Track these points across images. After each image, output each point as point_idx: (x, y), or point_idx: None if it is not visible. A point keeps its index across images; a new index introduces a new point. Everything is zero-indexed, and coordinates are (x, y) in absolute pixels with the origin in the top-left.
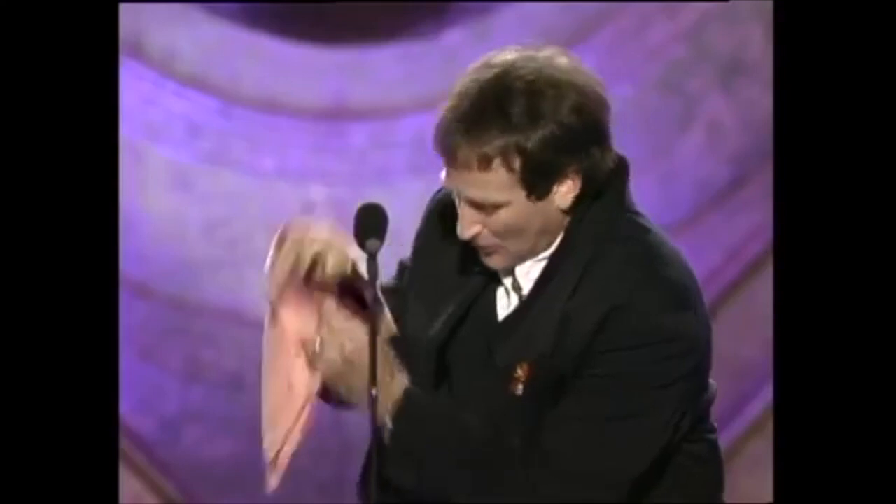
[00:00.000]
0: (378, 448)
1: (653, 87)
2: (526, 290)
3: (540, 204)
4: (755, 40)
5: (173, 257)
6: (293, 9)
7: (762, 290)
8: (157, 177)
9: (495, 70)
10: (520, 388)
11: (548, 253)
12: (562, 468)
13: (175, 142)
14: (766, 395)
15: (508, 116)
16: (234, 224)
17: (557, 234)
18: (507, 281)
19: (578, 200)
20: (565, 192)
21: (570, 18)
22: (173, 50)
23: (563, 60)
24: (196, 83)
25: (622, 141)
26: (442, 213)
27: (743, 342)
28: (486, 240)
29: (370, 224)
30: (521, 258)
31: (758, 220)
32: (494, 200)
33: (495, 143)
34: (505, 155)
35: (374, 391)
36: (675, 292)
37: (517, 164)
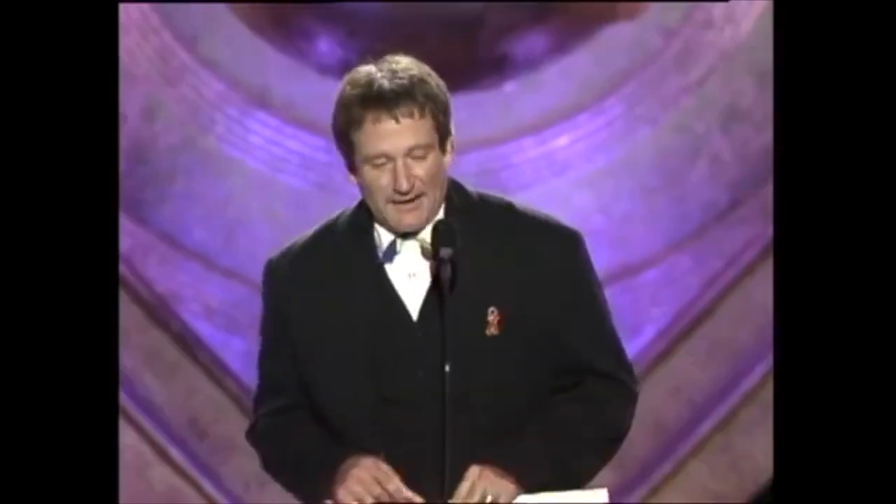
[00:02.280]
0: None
1: (667, 128)
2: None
3: (442, 159)
4: (749, 91)
5: None
6: None
7: (755, 289)
8: (279, 200)
9: (384, 64)
10: (497, 328)
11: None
12: (618, 356)
13: (293, 172)
14: (759, 372)
15: (422, 80)
16: None
17: (442, 199)
18: (411, 260)
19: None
20: (448, 154)
21: (601, 72)
22: (292, 100)
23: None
24: (309, 126)
25: (643, 171)
26: (309, 271)
27: (740, 330)
28: (419, 188)
29: (444, 236)
30: (430, 215)
31: (751, 234)
32: (428, 143)
33: (423, 96)
34: (433, 103)
35: (447, 367)
36: (550, 216)
37: (437, 114)
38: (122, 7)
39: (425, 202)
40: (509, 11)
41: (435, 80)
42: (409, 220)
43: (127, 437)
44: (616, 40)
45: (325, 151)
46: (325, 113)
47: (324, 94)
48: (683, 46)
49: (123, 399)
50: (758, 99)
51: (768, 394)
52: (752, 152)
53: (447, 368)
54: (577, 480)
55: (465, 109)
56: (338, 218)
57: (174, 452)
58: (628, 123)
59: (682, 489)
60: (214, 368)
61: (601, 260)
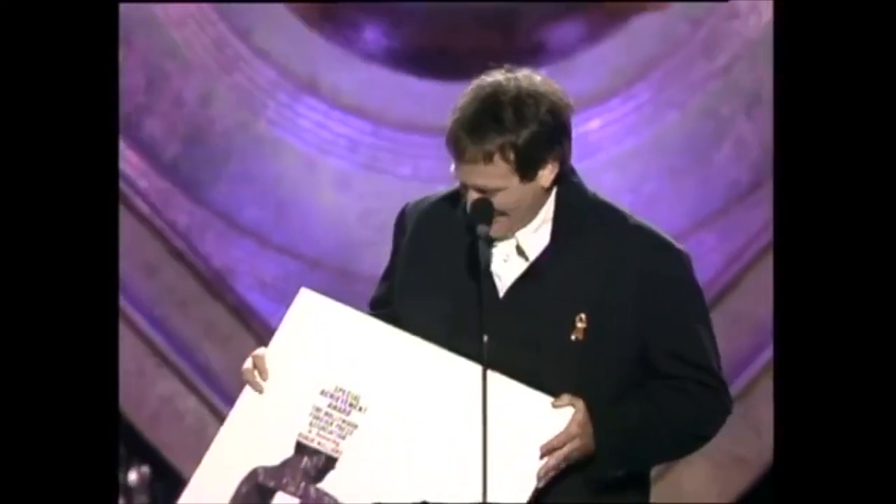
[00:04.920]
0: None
1: (694, 112)
2: (530, 255)
3: (529, 185)
4: (771, 77)
5: (338, 238)
6: (426, 55)
7: None
8: (327, 180)
9: (487, 88)
10: (582, 335)
11: (536, 223)
12: (711, 370)
13: (339, 154)
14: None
15: (502, 122)
16: (382, 214)
17: (541, 206)
18: (508, 249)
19: (555, 181)
20: (547, 175)
21: (631, 60)
22: (339, 87)
23: (536, 77)
24: (355, 111)
25: (671, 153)
26: (426, 220)
27: (761, 305)
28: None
29: (481, 213)
30: (516, 227)
31: (772, 213)
32: (496, 186)
33: (494, 143)
34: (502, 151)
35: (485, 337)
36: (661, 231)
37: (511, 157)
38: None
39: (503, 220)
40: (544, 3)
41: (534, 112)
42: (492, 231)
43: (188, 402)
44: (645, 29)
45: (370, 135)
46: (370, 98)
47: (369, 81)
48: (710, 35)
49: (185, 367)
50: None
51: None
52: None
53: (485, 339)
54: (644, 463)
55: None
56: None
57: None
58: (657, 108)
59: (707, 453)
60: (267, 338)
61: None
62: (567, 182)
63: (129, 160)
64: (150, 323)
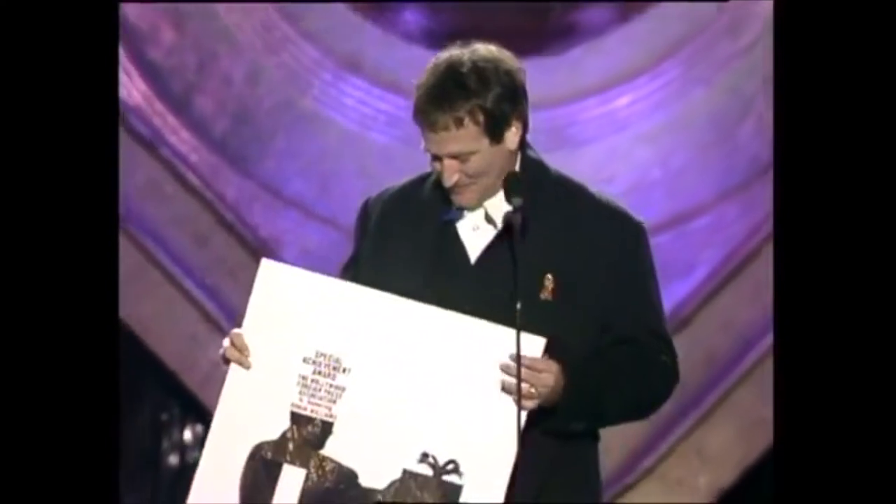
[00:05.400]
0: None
1: (719, 89)
2: (499, 222)
3: (497, 148)
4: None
5: None
6: (462, 36)
7: None
8: (368, 154)
9: (444, 63)
10: (551, 294)
11: (504, 192)
12: (665, 337)
13: (380, 129)
14: None
15: (467, 87)
16: None
17: (499, 180)
18: (477, 219)
19: (520, 144)
20: (512, 136)
21: (661, 39)
22: (380, 66)
23: (490, 46)
24: (394, 88)
25: (697, 128)
26: (392, 205)
27: None
28: (463, 181)
29: (514, 185)
30: (486, 194)
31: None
32: (468, 150)
33: (464, 108)
34: (472, 114)
35: (518, 305)
36: (619, 204)
37: (481, 119)
38: None
39: (474, 188)
40: None
41: (495, 75)
42: (459, 200)
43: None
44: (673, 10)
45: (408, 111)
46: (410, 76)
47: (409, 60)
48: (734, 15)
49: None
50: None
51: None
52: None
53: (518, 306)
54: (603, 419)
55: (536, 73)
56: (431, 173)
57: None
58: (684, 85)
59: (733, 413)
60: None
61: (659, 208)
62: (529, 156)
63: (180, 136)
64: (202, 291)
